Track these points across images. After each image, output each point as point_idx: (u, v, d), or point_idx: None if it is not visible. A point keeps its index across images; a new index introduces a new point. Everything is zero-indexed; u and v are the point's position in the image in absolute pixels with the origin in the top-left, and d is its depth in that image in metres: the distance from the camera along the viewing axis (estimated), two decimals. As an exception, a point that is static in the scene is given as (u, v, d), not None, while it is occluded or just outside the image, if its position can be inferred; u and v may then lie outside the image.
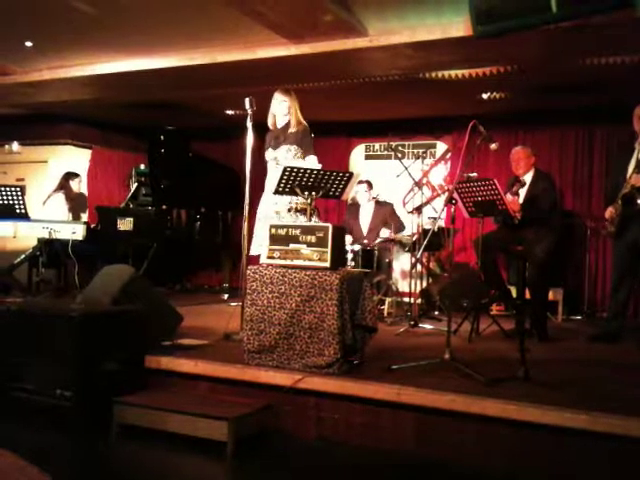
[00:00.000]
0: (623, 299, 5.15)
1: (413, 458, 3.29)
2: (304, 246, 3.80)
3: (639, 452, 2.88)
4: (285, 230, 3.88)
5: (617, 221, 5.01)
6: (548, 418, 3.02)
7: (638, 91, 5.47)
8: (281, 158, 4.75)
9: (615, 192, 5.01)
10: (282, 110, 4.82)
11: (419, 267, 6.27)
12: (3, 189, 6.64)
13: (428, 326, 5.65)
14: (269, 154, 4.86)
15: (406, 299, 6.57)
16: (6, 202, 6.54)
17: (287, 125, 4.83)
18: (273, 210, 4.74)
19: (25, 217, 6.66)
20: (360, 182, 7.07)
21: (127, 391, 3.71)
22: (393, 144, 7.42)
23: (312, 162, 4.73)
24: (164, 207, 7.51)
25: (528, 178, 5.48)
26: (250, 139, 4.68)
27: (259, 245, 4.51)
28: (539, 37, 4.74)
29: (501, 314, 6.64)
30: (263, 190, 4.93)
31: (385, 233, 6.66)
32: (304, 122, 4.84)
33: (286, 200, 4.66)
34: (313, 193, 4.17)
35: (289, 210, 4.70)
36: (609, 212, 5.09)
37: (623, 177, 4.96)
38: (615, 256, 5.34)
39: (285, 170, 4.12)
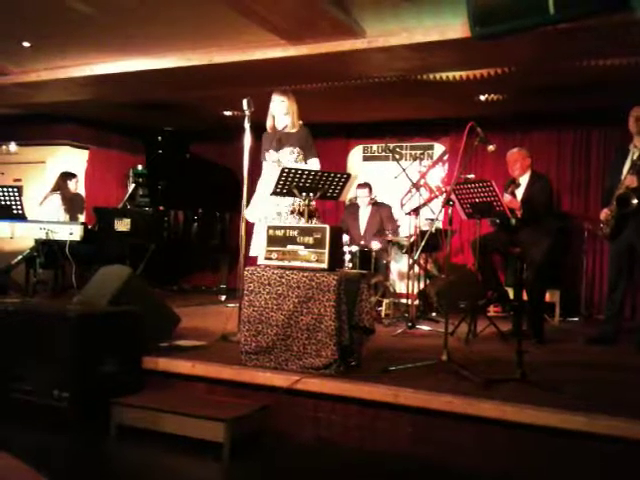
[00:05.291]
0: (619, 300, 5.16)
1: (410, 459, 3.29)
2: (302, 247, 3.80)
3: (637, 454, 2.89)
4: (283, 231, 3.88)
5: (612, 222, 5.03)
6: (545, 420, 3.03)
7: (635, 92, 5.48)
8: (284, 160, 4.75)
9: (611, 194, 5.02)
10: (282, 110, 4.83)
11: (416, 268, 6.27)
12: (0, 190, 6.66)
13: (425, 327, 5.65)
14: (271, 156, 4.86)
15: (403, 300, 6.58)
16: (3, 203, 6.55)
17: (287, 126, 4.84)
18: (275, 211, 4.74)
19: (22, 218, 6.67)
20: (361, 186, 7.08)
21: (124, 392, 3.70)
22: (391, 145, 7.41)
23: (314, 165, 4.74)
24: (161, 208, 7.50)
25: (524, 180, 5.50)
26: (248, 140, 4.68)
27: (259, 245, 4.51)
28: (536, 39, 4.75)
29: (498, 315, 6.65)
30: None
31: (377, 246, 6.64)
32: (302, 124, 4.85)
33: (288, 201, 4.66)
34: (311, 194, 4.18)
35: (292, 212, 4.70)
36: (604, 213, 5.10)
37: (619, 179, 4.98)
38: (611, 257, 5.35)
39: (283, 171, 4.13)
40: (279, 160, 4.79)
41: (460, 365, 3.73)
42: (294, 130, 4.81)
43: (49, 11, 5.22)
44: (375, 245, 6.64)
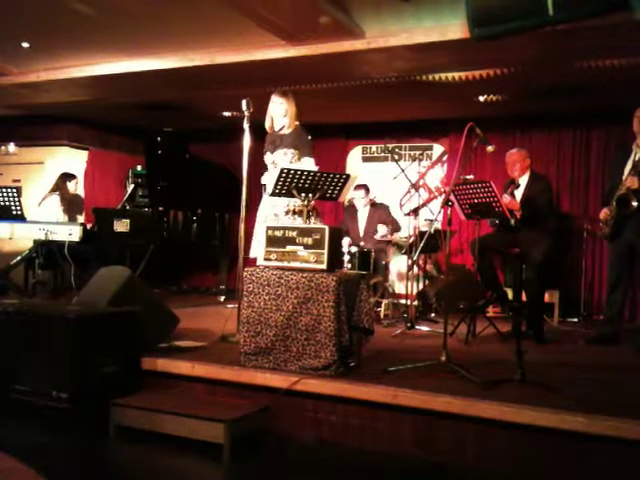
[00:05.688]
0: (619, 301, 5.15)
1: (410, 460, 3.29)
2: (301, 248, 3.80)
3: (637, 455, 2.89)
4: (282, 232, 3.88)
5: (612, 223, 5.02)
6: (545, 420, 3.02)
7: (634, 93, 5.49)
8: (278, 162, 4.75)
9: (612, 194, 5.02)
10: (280, 112, 4.83)
11: (416, 269, 6.27)
12: (-1, 190, 6.65)
13: (424, 328, 5.64)
14: (267, 158, 4.87)
15: (403, 301, 6.58)
16: (2, 203, 6.54)
17: (284, 128, 4.83)
18: (272, 212, 4.74)
19: (21, 218, 6.66)
20: (357, 187, 7.08)
21: (124, 393, 3.70)
22: (390, 146, 7.42)
23: (308, 164, 4.73)
24: (161, 209, 7.50)
25: (524, 181, 5.50)
26: (247, 141, 4.67)
27: (258, 246, 4.51)
28: (535, 39, 4.75)
29: (497, 316, 6.64)
30: (260, 192, 4.94)
31: (382, 230, 6.66)
32: (298, 124, 4.85)
33: (284, 202, 4.66)
34: (310, 195, 4.18)
35: (286, 212, 4.70)
36: (604, 213, 5.10)
37: (620, 179, 4.98)
38: (610, 258, 5.35)
39: (282, 172, 4.13)
40: (274, 162, 4.80)
41: (459, 366, 3.73)
42: (289, 131, 4.82)
43: (49, 11, 5.22)
44: (381, 230, 6.64)
